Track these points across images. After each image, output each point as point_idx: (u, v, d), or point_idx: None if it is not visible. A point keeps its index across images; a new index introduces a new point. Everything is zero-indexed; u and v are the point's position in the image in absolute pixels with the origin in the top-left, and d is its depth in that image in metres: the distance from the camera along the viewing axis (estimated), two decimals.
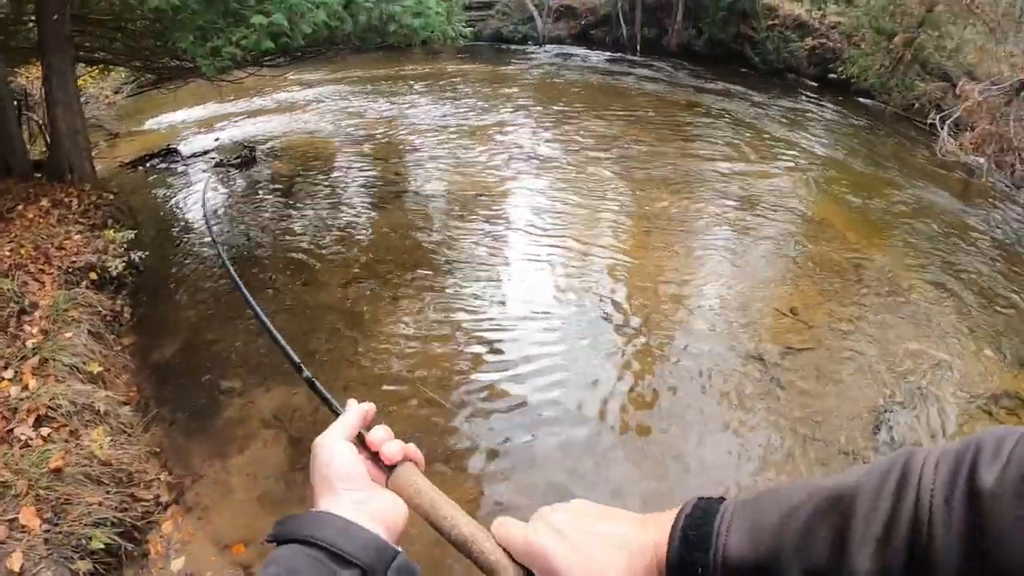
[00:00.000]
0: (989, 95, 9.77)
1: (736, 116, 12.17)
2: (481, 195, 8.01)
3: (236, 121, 11.74)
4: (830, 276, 6.40)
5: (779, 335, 5.44)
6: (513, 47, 18.89)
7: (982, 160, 9.65)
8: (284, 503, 3.72)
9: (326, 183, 8.56)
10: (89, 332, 4.61)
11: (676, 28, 17.47)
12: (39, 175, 7.16)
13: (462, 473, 3.99)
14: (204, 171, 9.01)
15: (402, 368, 4.84)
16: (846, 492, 0.54)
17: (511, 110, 12.21)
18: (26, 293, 4.67)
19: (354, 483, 0.70)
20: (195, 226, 7.35)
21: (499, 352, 5.07)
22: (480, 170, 8.93)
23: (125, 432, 3.90)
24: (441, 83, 14.47)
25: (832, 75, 14.77)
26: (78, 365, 4.17)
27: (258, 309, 0.93)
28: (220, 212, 7.75)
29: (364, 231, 7.18)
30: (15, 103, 7.67)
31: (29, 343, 4.18)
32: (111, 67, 9.63)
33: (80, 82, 8.55)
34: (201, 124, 11.69)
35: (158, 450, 4.04)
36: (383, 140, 10.36)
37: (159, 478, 3.78)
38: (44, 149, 8.05)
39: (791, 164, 9.75)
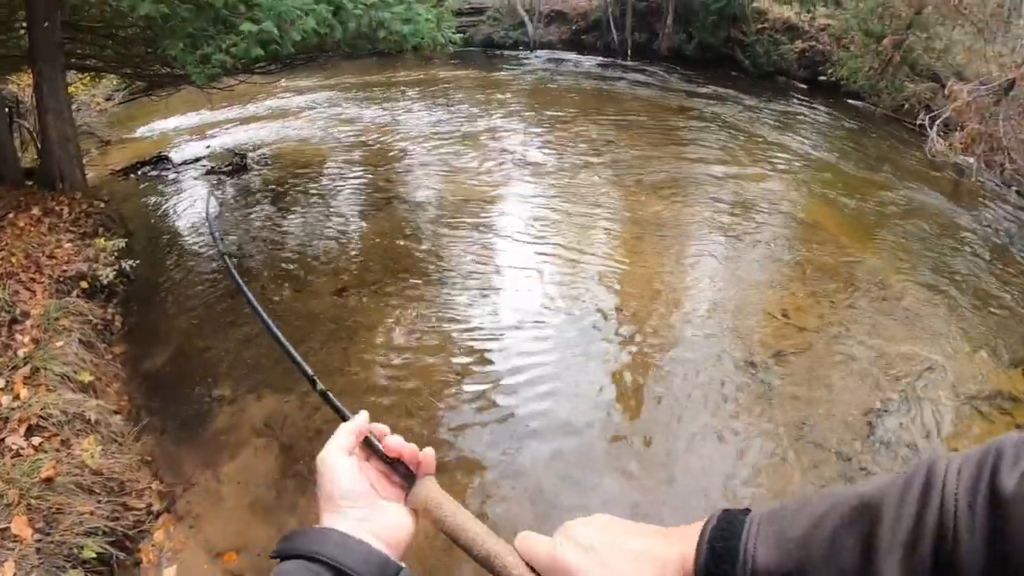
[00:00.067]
0: (978, 95, 9.83)
1: (727, 119, 12.21)
2: (472, 202, 8.01)
3: (228, 128, 11.71)
4: (822, 279, 6.42)
5: (771, 339, 5.44)
6: (504, 53, 18.93)
7: (972, 160, 9.68)
8: (275, 511, 3.70)
9: (317, 190, 8.54)
10: (80, 341, 4.59)
11: (667, 32, 17.53)
12: (30, 183, 7.14)
13: (452, 486, 3.97)
14: (196, 179, 8.99)
15: (391, 378, 4.82)
16: (871, 500, 0.54)
17: (503, 116, 12.23)
18: (17, 302, 4.66)
19: (357, 501, 0.70)
20: (186, 234, 7.33)
21: (489, 362, 5.05)
22: (472, 176, 8.93)
23: (116, 441, 3.89)
24: (433, 89, 14.49)
25: (822, 77, 14.82)
26: (69, 374, 4.15)
27: (270, 323, 0.92)
28: (212, 220, 7.73)
29: (355, 239, 7.17)
30: (6, 111, 7.65)
31: (20, 352, 4.17)
32: (102, 74, 9.63)
33: (71, 89, 8.54)
34: (192, 131, 11.66)
35: (149, 459, 4.02)
36: (375, 147, 10.35)
37: (150, 487, 3.76)
38: (35, 157, 8.02)
39: (782, 167, 9.78)
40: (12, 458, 3.32)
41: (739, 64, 16.53)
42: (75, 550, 3.02)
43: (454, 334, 5.36)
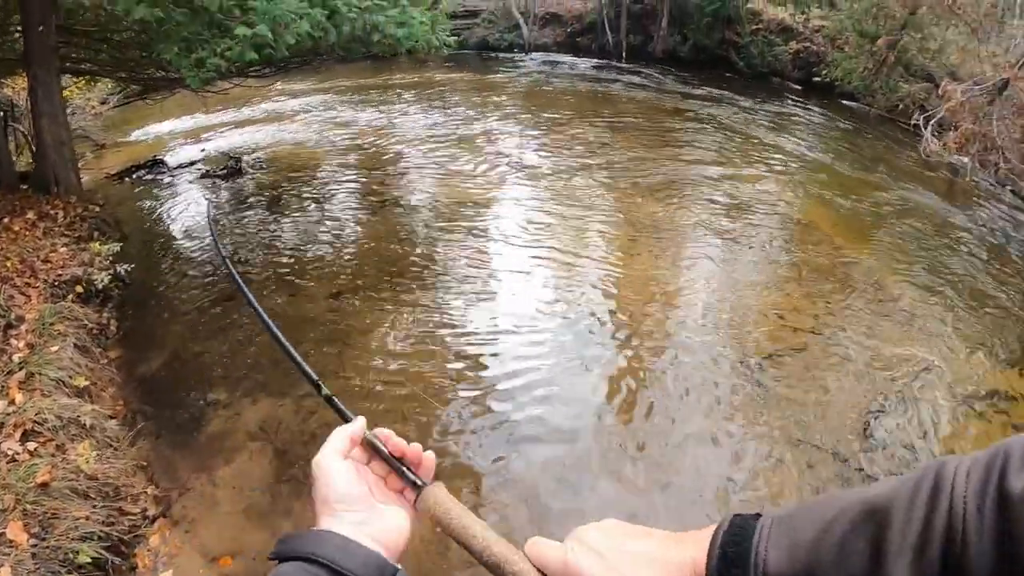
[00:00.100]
0: (972, 95, 9.88)
1: (722, 121, 12.25)
2: (468, 205, 8.01)
3: (222, 132, 11.70)
4: (818, 279, 6.43)
5: (767, 340, 5.45)
6: (500, 55, 18.98)
7: (966, 159, 9.74)
8: (270, 515, 3.70)
9: (312, 194, 8.53)
10: (75, 345, 4.58)
11: (661, 34, 17.59)
12: (25, 187, 7.13)
13: (448, 492, 3.95)
14: (191, 182, 8.97)
15: (386, 383, 4.81)
16: (880, 504, 0.54)
17: (498, 118, 12.25)
18: (12, 307, 4.64)
19: (353, 504, 0.70)
20: (182, 238, 7.31)
21: (484, 366, 5.03)
22: (467, 180, 8.93)
23: (111, 446, 3.87)
24: (428, 92, 14.50)
25: (816, 78, 14.90)
26: (64, 379, 4.14)
27: (274, 327, 0.93)
28: (205, 224, 7.70)
29: (349, 243, 7.16)
30: (1, 114, 7.63)
31: (15, 357, 4.16)
32: (97, 78, 9.61)
33: (66, 93, 8.52)
34: (188, 135, 11.65)
35: (145, 463, 4.00)
36: (369, 150, 10.35)
37: (146, 491, 3.76)
38: (30, 161, 8.01)
39: (778, 168, 9.81)
40: (7, 463, 3.31)
41: (734, 65, 16.61)
42: (71, 555, 3.01)
43: (449, 338, 5.34)
